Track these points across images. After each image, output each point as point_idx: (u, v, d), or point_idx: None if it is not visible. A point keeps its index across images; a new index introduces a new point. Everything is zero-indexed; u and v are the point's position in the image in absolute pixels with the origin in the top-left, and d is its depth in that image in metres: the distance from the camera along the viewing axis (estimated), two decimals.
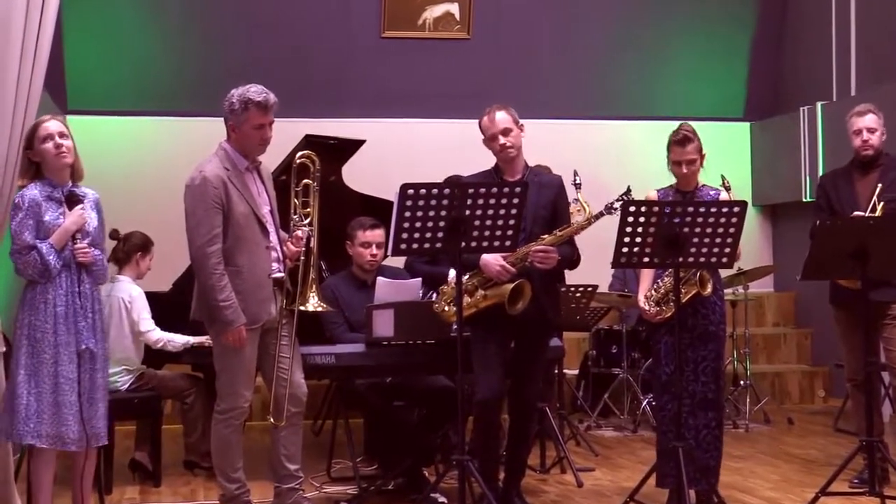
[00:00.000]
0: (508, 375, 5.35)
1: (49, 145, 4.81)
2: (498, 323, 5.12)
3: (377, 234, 6.09)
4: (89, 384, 4.82)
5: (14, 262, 4.78)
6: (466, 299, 5.17)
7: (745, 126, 10.31)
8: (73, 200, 4.84)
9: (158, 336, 6.19)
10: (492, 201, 4.70)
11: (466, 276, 5.20)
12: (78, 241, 4.81)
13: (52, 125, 4.85)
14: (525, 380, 5.35)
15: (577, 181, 5.47)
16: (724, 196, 5.36)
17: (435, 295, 5.46)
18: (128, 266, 6.33)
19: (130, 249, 6.34)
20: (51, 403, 4.73)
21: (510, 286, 5.10)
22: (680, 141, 5.38)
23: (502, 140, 5.26)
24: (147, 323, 6.19)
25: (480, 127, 5.34)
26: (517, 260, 5.14)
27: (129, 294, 6.19)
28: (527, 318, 5.18)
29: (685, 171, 5.36)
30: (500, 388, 5.27)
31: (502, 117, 5.28)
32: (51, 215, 4.79)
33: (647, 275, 5.51)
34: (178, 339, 6.20)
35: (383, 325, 5.56)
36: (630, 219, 4.83)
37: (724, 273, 6.49)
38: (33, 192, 4.79)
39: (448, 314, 5.26)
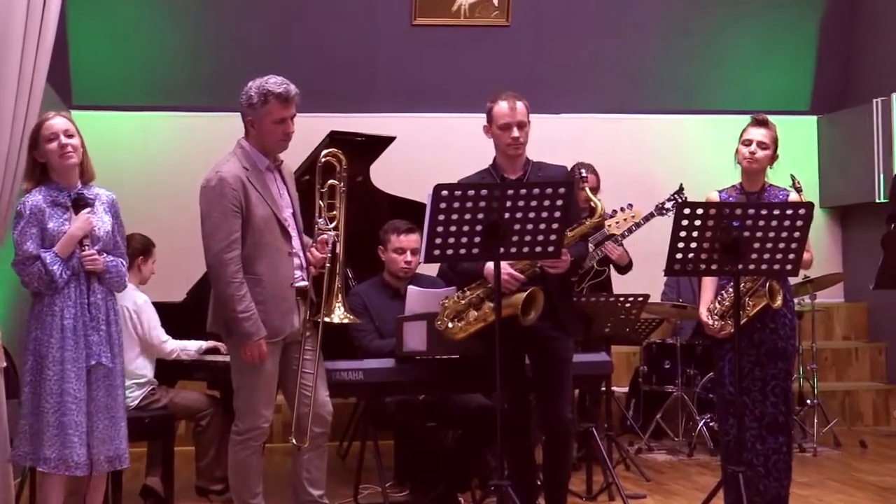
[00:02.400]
0: (533, 392, 5.37)
1: (53, 145, 4.83)
2: (509, 336, 4.99)
3: (412, 240, 6.10)
4: (107, 401, 4.85)
5: (17, 273, 4.81)
6: (473, 313, 5.18)
7: (811, 120, 10.27)
8: (80, 204, 4.86)
9: (172, 347, 6.25)
10: (533, 203, 4.69)
11: (468, 289, 5.22)
12: (86, 247, 4.84)
13: (57, 122, 4.86)
14: (553, 395, 5.33)
15: (583, 174, 5.47)
16: (794, 198, 5.35)
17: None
18: (129, 272, 6.35)
19: (131, 254, 6.31)
20: (53, 424, 4.74)
21: (522, 295, 5.08)
22: (758, 122, 5.39)
23: (516, 133, 5.24)
24: (160, 333, 6.24)
25: (492, 112, 5.29)
26: (525, 266, 5.16)
27: (133, 302, 6.22)
28: (541, 328, 5.19)
29: (754, 151, 5.32)
30: (519, 405, 5.31)
31: (522, 109, 5.28)
32: (55, 222, 4.81)
33: (709, 285, 5.48)
34: (192, 346, 6.27)
35: (415, 338, 5.58)
36: (684, 221, 4.81)
37: (790, 282, 6.47)
38: (36, 197, 4.81)
39: (452, 331, 5.23)
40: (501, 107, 5.27)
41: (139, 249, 6.40)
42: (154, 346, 6.23)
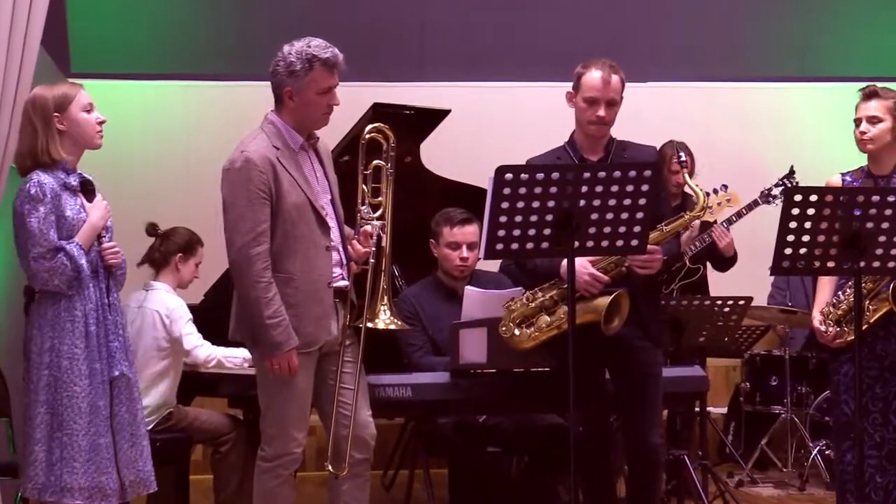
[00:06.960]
0: (614, 413, 5.37)
1: (91, 117, 4.96)
2: (585, 345, 5.00)
3: (468, 232, 6.11)
4: (129, 417, 4.94)
5: (35, 270, 4.80)
6: (545, 318, 5.18)
7: None
8: (88, 189, 4.95)
9: (209, 352, 6.15)
10: (614, 188, 4.68)
11: (540, 289, 5.24)
12: (104, 239, 4.93)
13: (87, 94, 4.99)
14: (638, 417, 5.35)
15: (682, 158, 5.45)
16: None
17: None
18: (165, 270, 6.38)
19: (169, 250, 6.36)
20: (85, 448, 4.81)
21: (606, 300, 5.08)
22: (866, 94, 5.38)
23: (602, 112, 5.26)
24: (194, 338, 6.19)
25: (580, 80, 5.31)
26: (609, 265, 5.15)
27: (165, 307, 6.22)
28: (624, 337, 5.19)
29: (865, 130, 5.33)
30: (597, 427, 5.32)
31: (616, 84, 5.28)
32: (72, 209, 4.89)
33: (825, 285, 5.47)
34: (238, 354, 6.08)
35: (473, 348, 5.60)
36: (795, 210, 4.78)
37: None
38: (49, 179, 4.85)
39: (519, 339, 5.25)
40: (593, 76, 5.27)
41: (181, 245, 6.38)
42: (186, 353, 6.18)
